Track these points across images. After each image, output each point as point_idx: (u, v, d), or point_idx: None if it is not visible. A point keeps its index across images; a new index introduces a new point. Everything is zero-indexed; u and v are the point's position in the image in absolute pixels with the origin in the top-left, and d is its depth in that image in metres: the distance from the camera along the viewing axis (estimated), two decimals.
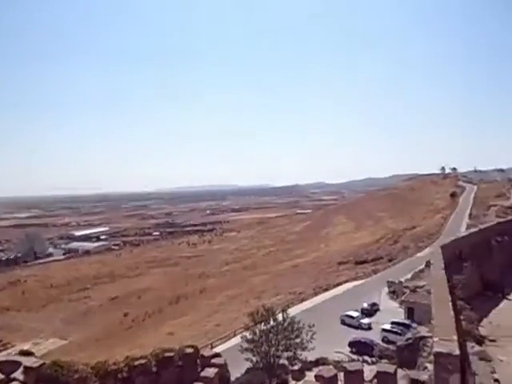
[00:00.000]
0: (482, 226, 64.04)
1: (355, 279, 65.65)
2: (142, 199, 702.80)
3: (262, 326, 24.73)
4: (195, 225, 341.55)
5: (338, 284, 64.20)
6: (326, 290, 58.80)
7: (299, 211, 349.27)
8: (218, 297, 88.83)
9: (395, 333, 34.70)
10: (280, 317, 25.49)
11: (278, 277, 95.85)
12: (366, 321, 39.48)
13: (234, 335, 39.55)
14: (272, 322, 24.90)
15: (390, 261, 77.24)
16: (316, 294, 54.21)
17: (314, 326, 25.15)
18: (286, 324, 24.80)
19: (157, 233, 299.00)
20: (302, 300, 51.75)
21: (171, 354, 21.44)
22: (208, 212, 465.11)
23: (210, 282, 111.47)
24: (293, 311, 42.68)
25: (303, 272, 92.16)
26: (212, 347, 36.34)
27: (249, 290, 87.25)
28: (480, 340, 31.15)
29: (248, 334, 25.03)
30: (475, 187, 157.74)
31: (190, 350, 21.80)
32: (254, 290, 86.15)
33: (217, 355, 22.73)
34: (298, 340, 24.21)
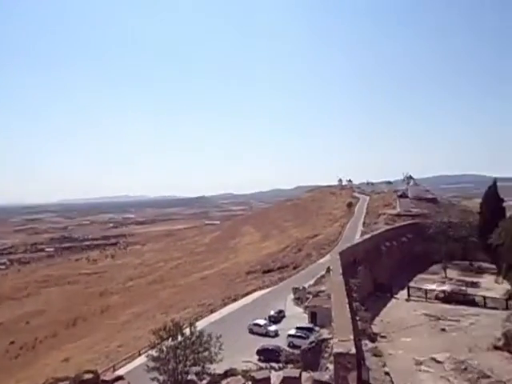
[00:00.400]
0: (373, 233, 69.93)
1: (263, 288, 66.58)
2: (34, 212, 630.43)
3: (169, 342, 23.70)
4: (96, 239, 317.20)
5: (247, 293, 64.27)
6: (235, 300, 59.52)
7: (208, 222, 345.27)
8: (121, 315, 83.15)
9: (300, 337, 37.00)
10: (188, 331, 24.72)
11: (187, 290, 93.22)
12: (272, 328, 40.40)
13: (139, 355, 37.47)
14: (180, 337, 24.01)
15: (294, 268, 79.96)
16: (225, 305, 53.93)
17: (221, 336, 24.84)
18: (193, 338, 24.13)
19: (51, 248, 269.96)
20: (211, 312, 51.09)
21: (66, 382, 19.27)
22: (110, 225, 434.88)
23: (113, 299, 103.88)
24: (201, 324, 41.89)
25: (212, 283, 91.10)
26: (114, 370, 33.91)
27: (156, 306, 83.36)
28: (373, 337, 33.88)
29: (154, 352, 23.80)
30: (368, 198, 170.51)
31: (88, 376, 19.92)
32: (162, 304, 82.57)
33: (119, 378, 21.19)
34: (206, 353, 23.72)
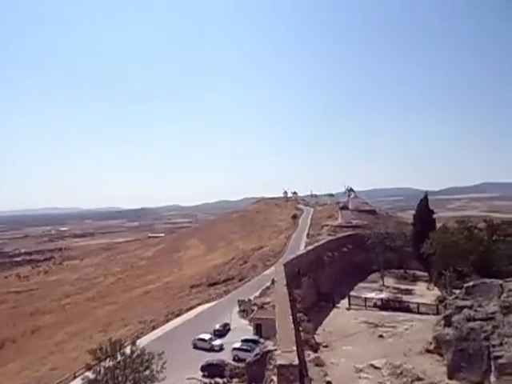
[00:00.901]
0: (316, 244, 70.36)
1: (208, 301, 65.45)
2: None
3: (107, 363, 22.37)
4: (29, 253, 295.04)
5: (191, 308, 62.78)
6: (179, 315, 58.34)
7: (151, 235, 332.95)
8: (55, 335, 77.64)
9: (245, 350, 36.84)
10: (128, 350, 23.54)
11: (128, 306, 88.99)
12: (217, 342, 39.84)
13: (75, 377, 35.21)
14: (119, 357, 22.77)
15: (240, 280, 79.73)
16: (168, 321, 52.52)
17: (163, 353, 23.95)
18: (134, 357, 23.01)
19: None
20: (153, 328, 49.31)
21: None
22: (45, 239, 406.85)
23: (46, 318, 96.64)
24: (143, 341, 40.28)
25: (155, 298, 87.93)
26: None
27: (94, 324, 78.75)
28: (315, 347, 34.59)
29: (90, 374, 22.33)
30: (312, 210, 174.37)
31: None
32: (100, 322, 78.21)
33: None
34: (147, 372, 22.69)
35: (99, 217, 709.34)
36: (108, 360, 22.35)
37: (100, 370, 22.09)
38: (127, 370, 22.22)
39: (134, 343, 25.09)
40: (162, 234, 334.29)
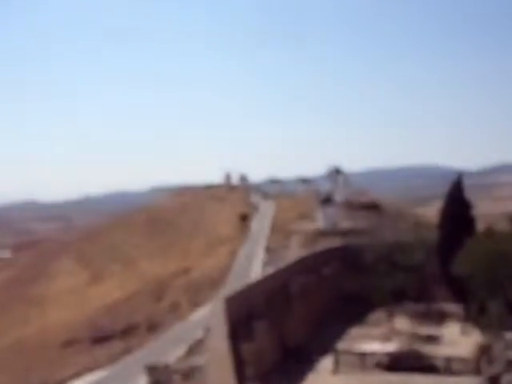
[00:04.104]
0: (280, 265, 56.97)
1: (93, 369, 48.60)
2: None
3: None
4: None
5: (62, 382, 47.03)
6: None
7: None
8: None
9: None
10: None
11: None
12: None
13: None
14: None
15: (150, 330, 61.96)
16: None
17: None
18: None
19: None
20: None
21: None
22: None
23: None
24: None
25: None
26: None
27: None
28: None
29: None
30: (273, 205, 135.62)
31: None
32: None
33: None
34: None
35: None
36: None
37: None
38: None
39: None
40: (8, 252, 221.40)
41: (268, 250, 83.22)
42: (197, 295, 69.42)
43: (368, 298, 61.48)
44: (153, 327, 62.78)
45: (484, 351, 40.61)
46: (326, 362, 44.86)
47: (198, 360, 40.08)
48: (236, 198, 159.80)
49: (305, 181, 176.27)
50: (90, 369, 49.45)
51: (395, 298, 61.31)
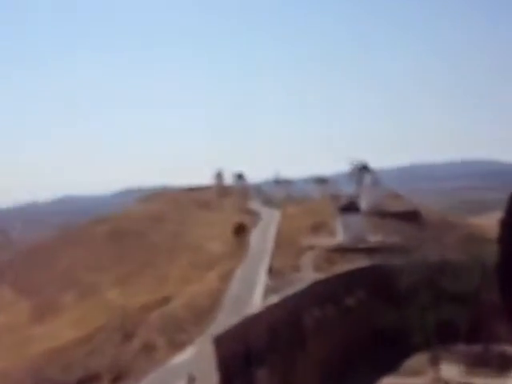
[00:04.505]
0: (288, 293, 46.80)
1: None
2: None
3: None
4: None
5: None
6: None
7: None
8: None
9: None
10: None
11: None
12: None
13: None
14: None
15: (116, 380, 50.90)
16: None
17: None
18: None
19: None
20: None
21: None
22: None
23: None
24: None
25: None
26: None
27: None
28: None
29: None
30: (277, 212, 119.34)
31: None
32: None
33: None
34: None
35: None
36: None
37: None
38: None
39: None
40: None
41: (272, 272, 71.85)
42: (178, 333, 58.16)
43: (405, 337, 53.23)
44: (119, 377, 53.71)
45: None
46: None
47: None
48: (229, 204, 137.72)
49: (320, 180, 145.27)
50: None
51: (441, 338, 53.31)
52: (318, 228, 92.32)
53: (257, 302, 56.39)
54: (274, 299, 47.88)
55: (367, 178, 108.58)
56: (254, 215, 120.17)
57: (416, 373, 51.75)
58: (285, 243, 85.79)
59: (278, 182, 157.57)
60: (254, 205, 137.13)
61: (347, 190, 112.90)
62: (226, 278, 70.69)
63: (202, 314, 60.02)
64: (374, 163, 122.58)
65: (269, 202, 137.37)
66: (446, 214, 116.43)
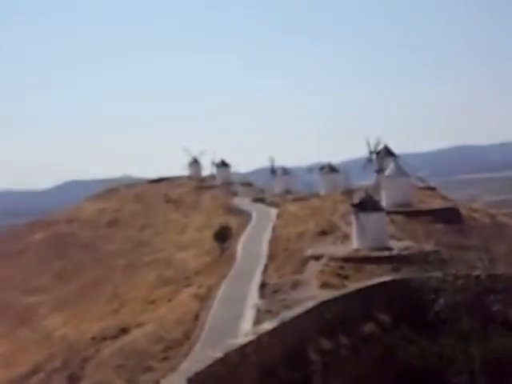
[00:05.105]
0: (288, 318, 34.63)
1: None
2: None
3: None
4: None
5: None
6: None
7: None
8: None
9: None
10: None
11: None
12: None
13: None
14: None
15: None
16: None
17: None
18: None
19: None
20: None
21: None
22: None
23: None
24: None
25: None
26: None
27: None
28: None
29: None
30: (273, 211, 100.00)
31: None
32: None
33: None
34: None
35: None
36: None
37: None
38: None
39: None
40: None
41: (266, 289, 59.04)
42: (140, 373, 46.74)
43: (442, 376, 42.78)
44: None
45: None
46: None
47: None
48: (209, 201, 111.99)
49: (328, 170, 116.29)
50: None
51: (489, 377, 42.66)
52: (325, 231, 75.53)
53: (245, 331, 44.42)
54: (268, 326, 37.39)
55: (390, 166, 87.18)
56: (242, 215, 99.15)
57: None
58: (282, 252, 70.06)
59: (274, 172, 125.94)
60: (242, 201, 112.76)
61: (363, 181, 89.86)
62: (203, 298, 57.59)
63: (172, 346, 48.31)
64: (400, 147, 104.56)
65: (261, 197, 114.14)
66: (494, 212, 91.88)
